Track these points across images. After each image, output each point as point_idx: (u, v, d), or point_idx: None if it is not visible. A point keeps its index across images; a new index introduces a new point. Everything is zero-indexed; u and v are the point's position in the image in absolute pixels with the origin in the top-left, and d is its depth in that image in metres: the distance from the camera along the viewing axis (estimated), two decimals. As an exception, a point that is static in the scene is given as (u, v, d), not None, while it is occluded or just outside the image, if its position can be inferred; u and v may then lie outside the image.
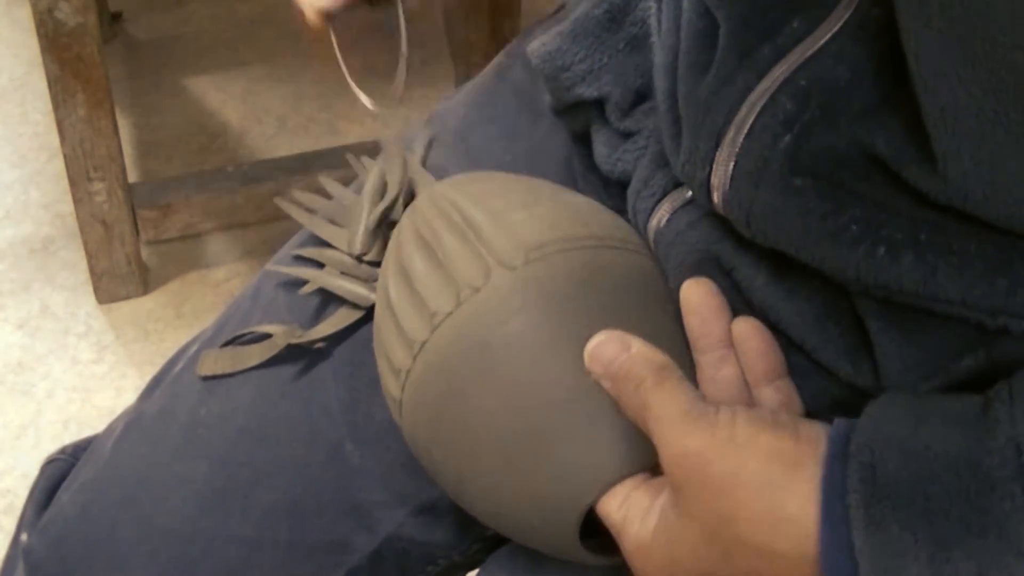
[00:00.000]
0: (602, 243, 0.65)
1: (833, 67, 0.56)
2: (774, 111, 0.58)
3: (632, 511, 0.58)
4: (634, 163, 0.72)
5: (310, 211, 0.83)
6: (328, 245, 0.79)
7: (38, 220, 1.89)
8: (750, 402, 0.63)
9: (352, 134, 2.00)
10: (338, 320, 0.77)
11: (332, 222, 0.81)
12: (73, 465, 0.83)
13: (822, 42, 0.56)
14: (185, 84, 2.11)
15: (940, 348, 0.58)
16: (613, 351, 0.60)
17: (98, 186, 1.66)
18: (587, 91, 0.73)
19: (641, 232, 0.70)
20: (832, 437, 0.54)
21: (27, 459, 1.57)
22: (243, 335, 0.79)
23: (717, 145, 0.60)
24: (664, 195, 0.69)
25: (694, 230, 0.67)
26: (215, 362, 0.79)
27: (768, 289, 0.63)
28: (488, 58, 0.89)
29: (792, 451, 0.54)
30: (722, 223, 0.65)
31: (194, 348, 0.83)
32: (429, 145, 0.83)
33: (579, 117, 0.76)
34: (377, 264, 0.77)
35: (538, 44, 0.72)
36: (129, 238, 1.73)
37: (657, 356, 0.59)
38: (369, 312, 0.76)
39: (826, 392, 0.62)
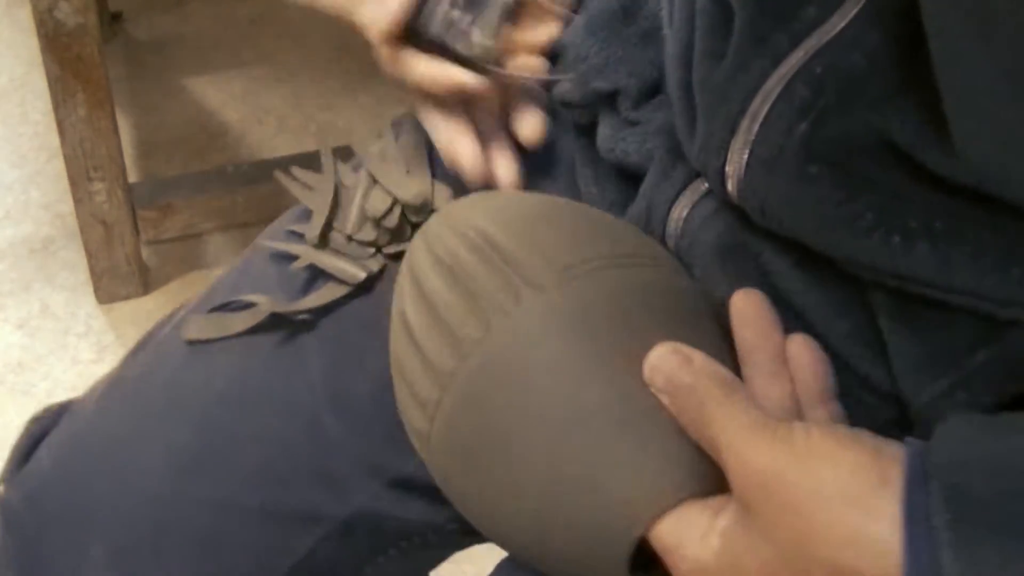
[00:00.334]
0: (634, 261, 0.63)
1: (849, 54, 0.56)
2: (789, 99, 0.57)
3: (689, 532, 0.55)
4: (635, 150, 0.72)
5: (307, 187, 0.84)
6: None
7: (38, 220, 1.89)
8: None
9: (352, 134, 2.00)
10: (325, 294, 0.77)
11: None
12: (56, 424, 0.83)
13: (838, 28, 0.56)
14: (185, 84, 2.11)
15: (951, 345, 0.58)
16: (675, 364, 0.57)
17: (98, 186, 1.67)
18: (603, 84, 0.72)
19: (657, 227, 0.69)
20: (908, 455, 0.52)
21: (26, 458, 1.57)
22: (230, 303, 0.79)
23: (732, 133, 0.60)
24: (685, 186, 0.68)
25: (720, 217, 0.66)
26: (200, 327, 0.79)
27: (794, 274, 0.63)
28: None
29: (876, 467, 0.51)
30: (743, 212, 0.65)
31: (180, 315, 0.83)
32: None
33: (589, 109, 0.76)
34: (369, 244, 0.78)
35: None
36: (129, 238, 1.73)
37: (722, 370, 0.57)
38: (357, 288, 0.76)
39: (850, 392, 0.61)
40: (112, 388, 0.82)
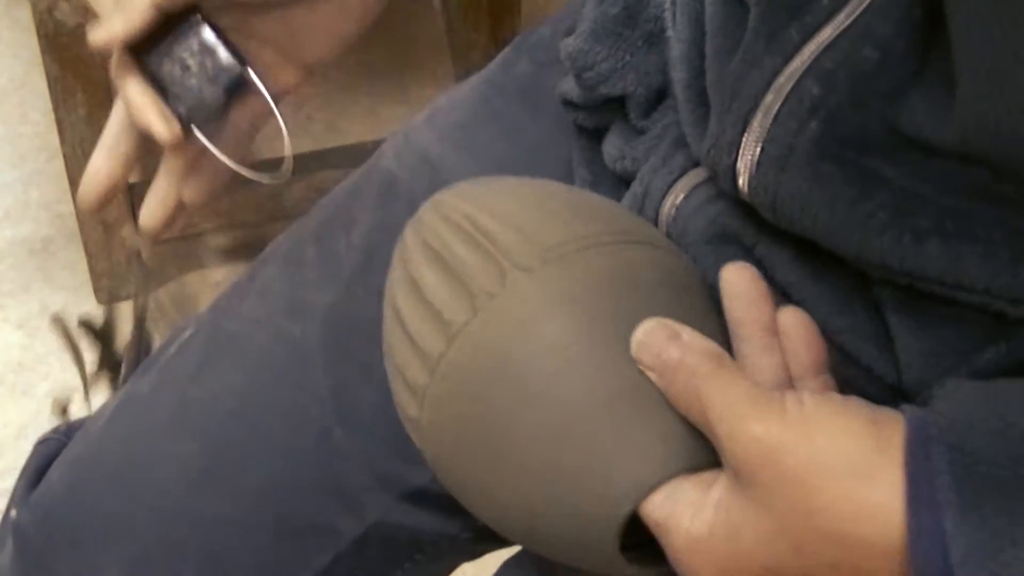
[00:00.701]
0: (623, 239, 0.63)
1: (861, 47, 0.55)
2: (800, 96, 0.57)
3: (679, 507, 0.55)
4: (643, 159, 0.72)
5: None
6: None
7: (38, 220, 1.89)
8: None
9: (352, 134, 2.00)
10: None
11: None
12: (66, 445, 0.83)
13: (850, 21, 0.56)
14: (185, 84, 2.11)
15: (960, 341, 0.57)
16: (663, 339, 0.57)
17: (98, 186, 1.66)
18: (612, 90, 0.72)
19: (650, 214, 0.69)
20: (911, 420, 0.52)
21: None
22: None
23: (744, 130, 0.60)
24: (683, 173, 0.68)
25: (714, 205, 0.66)
26: None
27: (792, 267, 0.62)
28: (488, 58, 0.89)
29: (873, 433, 0.51)
30: (740, 201, 0.65)
31: (188, 331, 0.83)
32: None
33: (598, 115, 0.75)
34: None
35: (562, 44, 0.72)
36: (129, 238, 1.72)
37: (710, 344, 0.57)
38: None
39: (852, 381, 0.61)
40: (121, 407, 0.82)
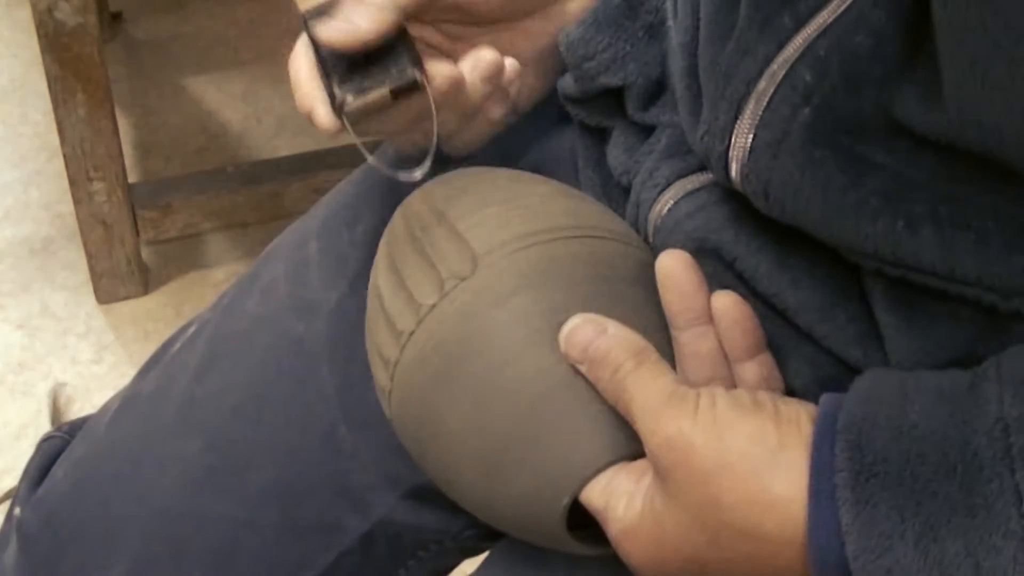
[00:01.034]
0: (582, 233, 0.65)
1: (853, 34, 0.56)
2: (793, 83, 0.57)
3: (615, 496, 0.58)
4: (638, 170, 0.72)
5: None
6: None
7: (38, 220, 1.89)
8: (730, 378, 0.62)
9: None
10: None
11: None
12: (69, 443, 0.83)
13: (843, 7, 0.56)
14: (185, 84, 2.11)
15: (951, 339, 0.58)
16: (589, 334, 0.59)
17: (98, 186, 1.67)
18: (612, 80, 0.72)
19: (642, 223, 0.70)
20: (820, 415, 0.54)
21: (27, 459, 1.57)
22: None
23: (736, 117, 0.60)
24: (668, 185, 0.68)
25: (692, 219, 0.66)
26: None
27: (771, 278, 0.63)
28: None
29: (774, 432, 0.54)
30: (721, 213, 0.65)
31: (192, 329, 0.83)
32: None
33: (598, 109, 0.76)
34: None
35: (562, 34, 0.72)
36: (129, 238, 1.72)
37: (634, 338, 0.59)
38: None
39: (837, 381, 0.61)
40: (126, 405, 0.82)
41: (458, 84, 0.69)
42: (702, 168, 0.67)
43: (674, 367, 0.61)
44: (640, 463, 0.58)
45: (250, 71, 2.13)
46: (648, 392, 0.56)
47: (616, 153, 0.74)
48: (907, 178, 0.56)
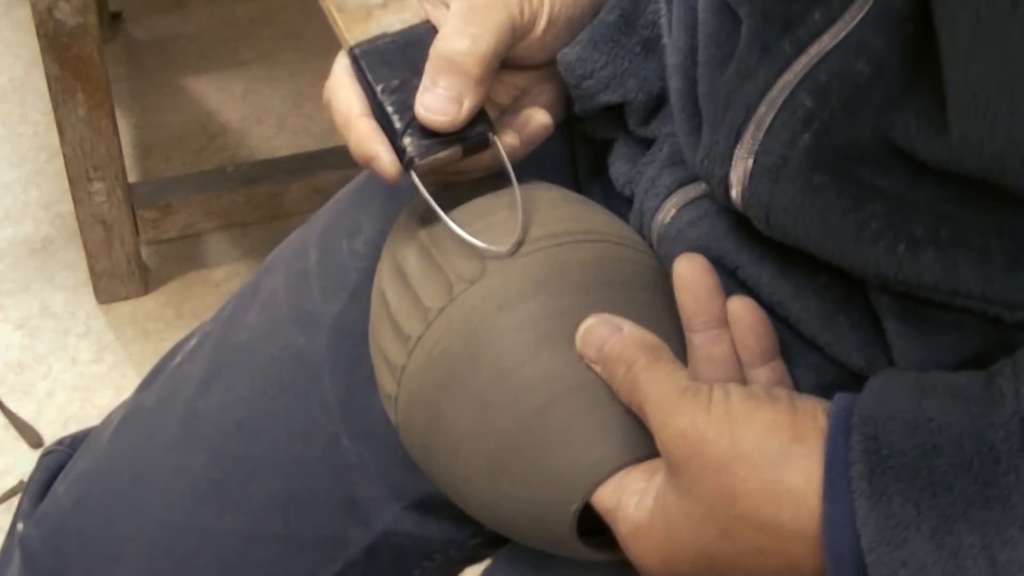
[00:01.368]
0: (590, 237, 0.65)
1: (854, 60, 0.56)
2: (793, 108, 0.58)
3: (625, 495, 0.58)
4: (640, 179, 0.72)
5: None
6: None
7: (38, 220, 1.88)
8: (743, 382, 0.62)
9: (352, 134, 2.00)
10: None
11: None
12: (71, 457, 0.83)
13: (844, 34, 0.56)
14: (185, 84, 2.11)
15: (958, 348, 0.58)
16: (604, 333, 0.60)
17: (98, 186, 1.66)
18: (611, 97, 0.72)
19: (646, 232, 0.70)
20: (835, 410, 0.54)
21: (27, 459, 1.57)
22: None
23: (736, 142, 0.60)
24: (669, 194, 0.69)
25: (695, 228, 0.67)
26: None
27: (774, 286, 0.63)
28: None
29: (790, 424, 0.54)
30: (723, 222, 0.65)
31: (193, 342, 0.83)
32: None
33: (599, 124, 0.76)
34: None
35: (560, 55, 0.72)
36: (129, 238, 1.72)
37: (649, 337, 0.59)
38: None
39: (841, 387, 0.61)
40: (128, 419, 0.82)
41: (518, 150, 0.69)
42: None
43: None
44: (651, 463, 0.59)
45: (250, 71, 2.13)
46: (661, 387, 0.57)
47: (618, 164, 0.74)
48: (908, 201, 0.56)
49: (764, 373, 0.62)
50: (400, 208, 0.74)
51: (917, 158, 0.55)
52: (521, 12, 0.67)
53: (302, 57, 2.13)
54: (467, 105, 0.65)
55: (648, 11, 0.72)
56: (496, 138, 0.67)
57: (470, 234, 0.64)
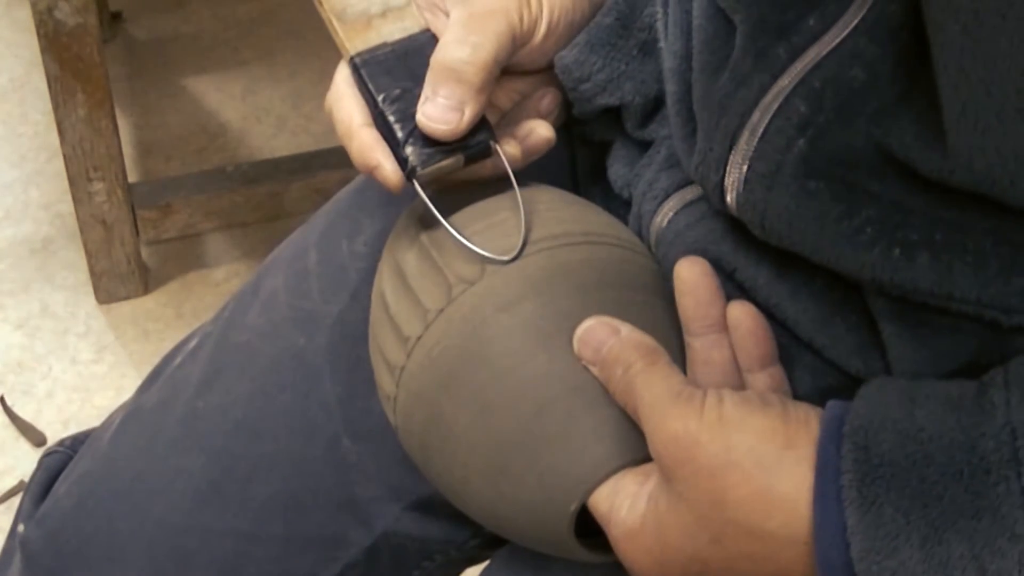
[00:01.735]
0: (589, 239, 0.66)
1: (848, 67, 0.56)
2: (788, 114, 0.58)
3: (619, 499, 0.58)
4: (638, 182, 0.72)
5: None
6: None
7: (38, 220, 1.88)
8: (741, 387, 0.63)
9: (352, 134, 1.99)
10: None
11: None
12: (71, 458, 0.83)
13: (838, 40, 0.56)
14: (185, 84, 2.11)
15: (955, 351, 0.58)
16: (602, 335, 0.60)
17: (98, 186, 1.66)
18: (609, 100, 0.72)
19: (644, 234, 0.70)
20: (827, 418, 0.54)
21: (27, 459, 1.57)
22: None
23: (731, 147, 0.60)
24: (667, 196, 0.69)
25: (692, 230, 0.67)
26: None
27: (770, 289, 0.64)
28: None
29: (782, 431, 0.54)
30: (720, 224, 0.65)
31: (193, 342, 0.83)
32: None
33: (598, 126, 0.76)
34: None
35: (557, 58, 0.72)
36: (129, 238, 1.72)
37: (646, 340, 0.60)
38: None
39: (838, 390, 0.61)
40: (128, 420, 0.82)
41: (519, 160, 0.69)
42: None
43: (685, 374, 0.61)
44: (646, 466, 0.59)
45: (250, 71, 2.13)
46: (656, 391, 0.57)
47: (617, 167, 0.74)
48: (902, 206, 0.56)
49: (762, 378, 0.62)
50: (400, 209, 0.74)
51: (911, 166, 0.55)
52: (521, 20, 0.67)
53: (302, 57, 2.13)
54: (468, 114, 0.65)
55: (645, 14, 0.72)
56: (498, 147, 0.67)
57: (471, 235, 0.64)
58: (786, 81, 0.58)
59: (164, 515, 0.76)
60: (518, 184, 0.67)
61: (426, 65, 0.66)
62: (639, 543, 0.57)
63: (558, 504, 0.60)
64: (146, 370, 0.87)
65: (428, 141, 0.66)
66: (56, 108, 1.60)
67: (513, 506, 0.62)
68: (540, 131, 0.69)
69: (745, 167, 0.60)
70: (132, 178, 1.78)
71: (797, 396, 0.63)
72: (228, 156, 1.98)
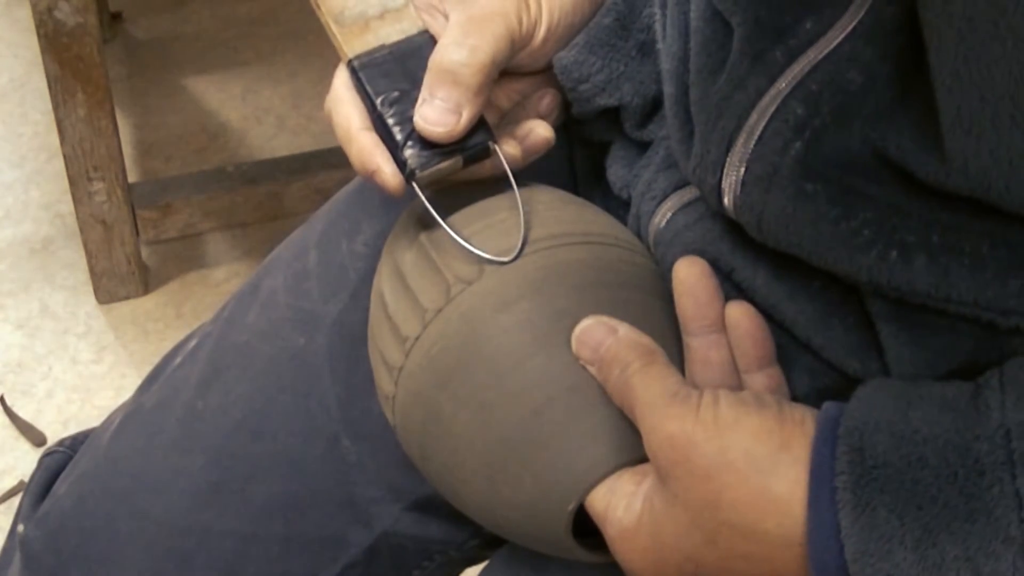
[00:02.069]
0: (588, 239, 0.66)
1: (845, 70, 0.56)
2: (785, 117, 0.58)
3: (615, 498, 0.58)
4: (636, 182, 0.72)
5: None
6: None
7: (38, 220, 1.89)
8: (739, 387, 0.63)
9: (352, 134, 2.00)
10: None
11: None
12: (71, 458, 0.83)
13: (834, 44, 0.56)
14: (185, 84, 2.11)
15: (952, 352, 0.58)
16: (600, 335, 0.60)
17: (98, 186, 1.66)
18: (608, 101, 0.72)
19: (643, 235, 0.70)
20: (822, 419, 0.54)
21: (27, 459, 1.57)
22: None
23: (728, 150, 0.60)
24: (665, 197, 0.69)
25: (691, 231, 0.67)
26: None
27: (769, 289, 0.64)
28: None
29: (778, 432, 0.54)
30: (719, 225, 0.65)
31: (193, 342, 0.83)
32: None
33: (596, 127, 0.76)
34: None
35: (555, 58, 0.72)
36: (129, 238, 1.72)
37: (644, 340, 0.60)
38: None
39: (836, 391, 0.62)
40: (128, 420, 0.82)
41: (519, 160, 0.69)
42: None
43: (683, 374, 0.62)
44: (643, 467, 0.59)
45: (250, 71, 2.13)
46: (652, 391, 0.57)
47: (615, 168, 0.74)
48: (899, 209, 0.56)
49: (761, 379, 0.62)
50: (400, 209, 0.74)
51: (907, 169, 0.55)
52: (520, 23, 0.67)
53: (302, 57, 2.13)
54: (465, 116, 0.65)
55: (644, 15, 0.72)
56: (497, 147, 0.67)
57: (470, 235, 0.64)
58: (783, 84, 0.58)
59: (163, 515, 0.76)
60: (517, 184, 0.67)
61: (424, 67, 0.66)
62: (635, 543, 0.57)
63: (556, 504, 0.60)
64: (146, 370, 0.87)
65: (427, 143, 0.66)
66: (56, 108, 1.60)
67: (511, 505, 0.62)
68: (539, 131, 0.69)
69: (742, 169, 0.60)
70: (132, 178, 1.78)
71: (795, 397, 0.63)
72: (228, 156, 1.98)
